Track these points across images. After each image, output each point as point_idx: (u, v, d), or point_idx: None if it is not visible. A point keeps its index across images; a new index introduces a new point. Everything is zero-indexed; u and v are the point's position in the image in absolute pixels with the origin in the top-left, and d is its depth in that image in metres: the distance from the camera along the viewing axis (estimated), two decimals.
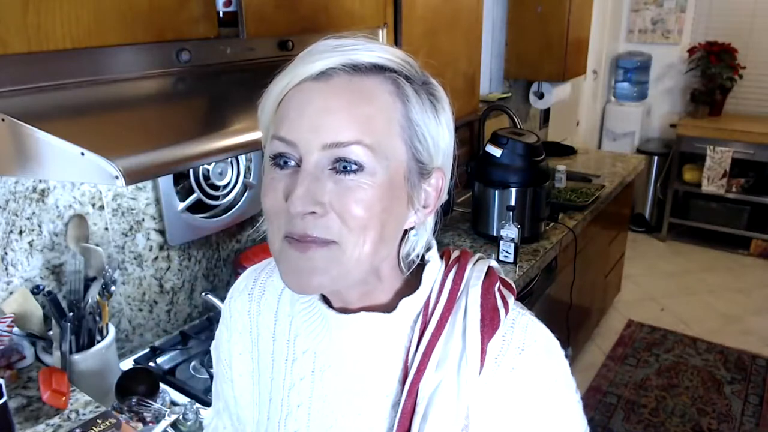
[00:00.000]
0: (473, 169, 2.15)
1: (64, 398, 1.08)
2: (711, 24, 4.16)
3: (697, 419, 2.58)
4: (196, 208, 1.54)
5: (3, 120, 0.82)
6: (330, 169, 0.55)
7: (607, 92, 4.50)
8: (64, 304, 1.22)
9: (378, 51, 0.57)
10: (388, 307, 0.65)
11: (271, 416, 0.72)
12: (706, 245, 4.21)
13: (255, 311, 0.74)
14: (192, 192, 1.52)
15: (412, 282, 0.66)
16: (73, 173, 0.82)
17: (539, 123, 3.43)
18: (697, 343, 3.12)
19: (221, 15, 1.09)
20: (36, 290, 1.20)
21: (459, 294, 0.64)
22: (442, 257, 0.68)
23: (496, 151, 2.02)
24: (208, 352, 1.43)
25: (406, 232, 0.64)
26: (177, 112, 1.01)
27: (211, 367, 1.36)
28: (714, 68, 4.00)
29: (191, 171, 1.50)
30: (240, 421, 0.79)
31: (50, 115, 0.86)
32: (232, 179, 1.62)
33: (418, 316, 0.64)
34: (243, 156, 1.62)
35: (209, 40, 1.08)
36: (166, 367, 1.40)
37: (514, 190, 2.02)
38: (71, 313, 1.19)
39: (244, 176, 1.64)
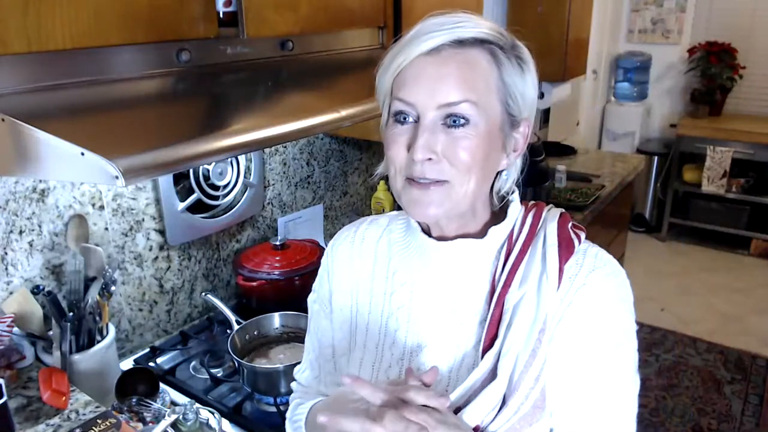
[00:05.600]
0: None
1: (64, 398, 1.08)
2: (711, 24, 4.16)
3: (697, 419, 2.58)
4: (196, 208, 1.54)
5: (3, 120, 0.82)
6: (442, 123, 0.69)
7: (607, 92, 4.50)
8: (64, 304, 1.22)
9: (477, 27, 0.70)
10: (479, 236, 0.77)
11: (368, 344, 0.84)
12: (706, 245, 4.21)
13: (356, 255, 0.88)
14: (192, 192, 1.52)
15: (498, 216, 0.80)
16: (73, 173, 0.82)
17: (539, 123, 3.43)
18: (697, 343, 3.12)
19: (221, 15, 1.09)
20: (36, 290, 1.20)
21: (538, 228, 0.77)
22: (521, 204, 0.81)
23: None
24: (207, 351, 1.44)
25: (498, 173, 0.77)
26: (177, 112, 1.01)
27: (211, 367, 1.37)
28: (714, 68, 4.00)
29: (191, 171, 1.50)
30: (334, 353, 0.91)
31: (50, 115, 0.86)
32: (232, 179, 1.62)
33: (503, 244, 0.77)
34: (243, 156, 1.62)
35: (209, 40, 1.08)
36: (166, 367, 1.40)
37: None
38: (71, 313, 1.19)
39: (244, 176, 1.64)
